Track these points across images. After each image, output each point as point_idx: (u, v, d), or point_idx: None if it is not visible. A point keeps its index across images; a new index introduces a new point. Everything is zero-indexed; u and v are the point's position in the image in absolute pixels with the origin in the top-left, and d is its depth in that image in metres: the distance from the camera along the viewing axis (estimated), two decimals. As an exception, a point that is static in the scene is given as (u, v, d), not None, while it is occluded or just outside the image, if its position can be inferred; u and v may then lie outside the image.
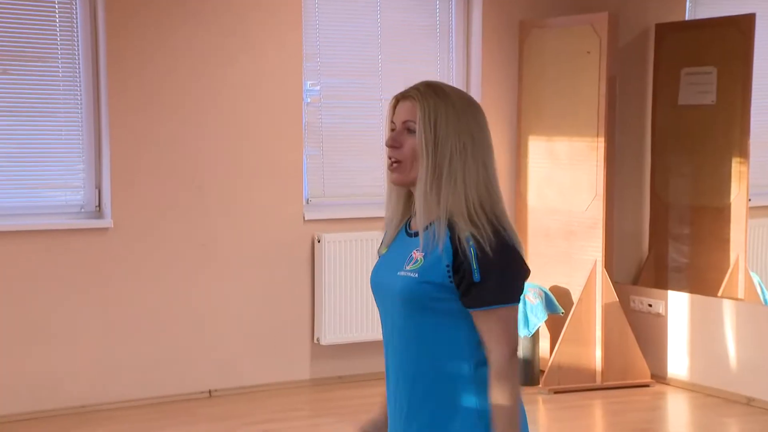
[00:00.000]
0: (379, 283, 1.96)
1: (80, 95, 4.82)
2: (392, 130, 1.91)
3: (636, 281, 5.66)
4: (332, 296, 5.24)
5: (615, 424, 4.87)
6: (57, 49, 4.77)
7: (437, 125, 1.84)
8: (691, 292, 5.32)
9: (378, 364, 5.39)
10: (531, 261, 5.62)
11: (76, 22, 4.79)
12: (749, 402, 4.96)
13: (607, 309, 5.25)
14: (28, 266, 4.66)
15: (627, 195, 5.69)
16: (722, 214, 5.33)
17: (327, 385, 5.29)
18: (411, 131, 1.87)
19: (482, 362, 1.86)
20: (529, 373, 5.30)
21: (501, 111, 5.69)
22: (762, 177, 5.56)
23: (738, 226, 5.26)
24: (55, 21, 4.76)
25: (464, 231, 1.81)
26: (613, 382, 5.26)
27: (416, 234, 1.90)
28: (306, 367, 5.28)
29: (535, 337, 5.33)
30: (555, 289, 5.46)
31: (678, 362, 5.33)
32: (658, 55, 5.59)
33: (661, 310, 5.39)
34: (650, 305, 5.44)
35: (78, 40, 4.80)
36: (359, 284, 5.29)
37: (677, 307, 5.32)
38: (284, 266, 5.21)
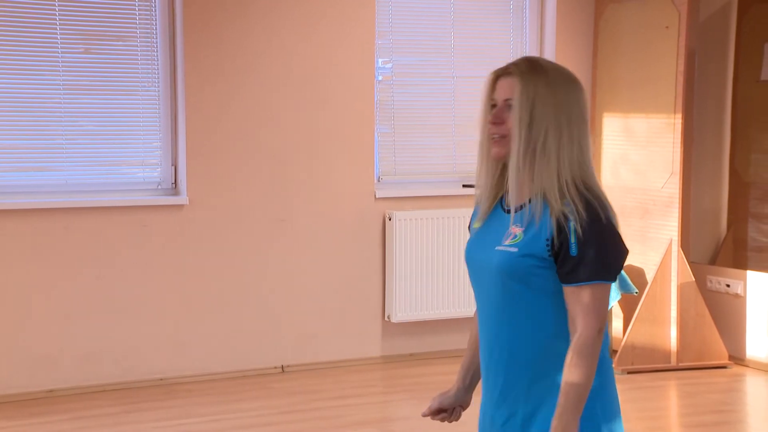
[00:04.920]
0: (475, 258, 1.97)
1: (158, 74, 4.90)
2: (493, 106, 1.93)
3: (713, 261, 5.54)
4: (403, 274, 5.25)
5: (691, 406, 4.80)
6: (136, 28, 4.86)
7: (534, 104, 1.87)
8: (771, 272, 5.19)
9: (448, 341, 5.42)
10: (605, 240, 5.55)
11: (155, 2, 4.87)
12: (832, 386, 4.84)
13: (682, 289, 5.15)
14: (106, 242, 4.78)
15: (705, 173, 5.56)
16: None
17: (398, 362, 5.32)
18: (511, 107, 1.90)
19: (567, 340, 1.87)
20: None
21: (575, 87, 5.60)
22: None
23: (822, 204, 5.11)
24: (134, 1, 4.85)
25: (562, 207, 1.84)
26: (688, 363, 5.17)
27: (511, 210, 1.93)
28: (377, 344, 5.32)
29: (608, 317, 5.26)
30: (629, 269, 5.38)
31: (757, 344, 5.21)
32: (740, 28, 5.43)
33: (739, 291, 5.27)
34: (728, 285, 5.32)
35: (156, 20, 4.88)
36: (430, 262, 5.30)
37: (757, 287, 5.20)
38: (356, 243, 5.24)
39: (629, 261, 5.40)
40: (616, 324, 5.39)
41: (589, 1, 5.57)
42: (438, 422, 2.14)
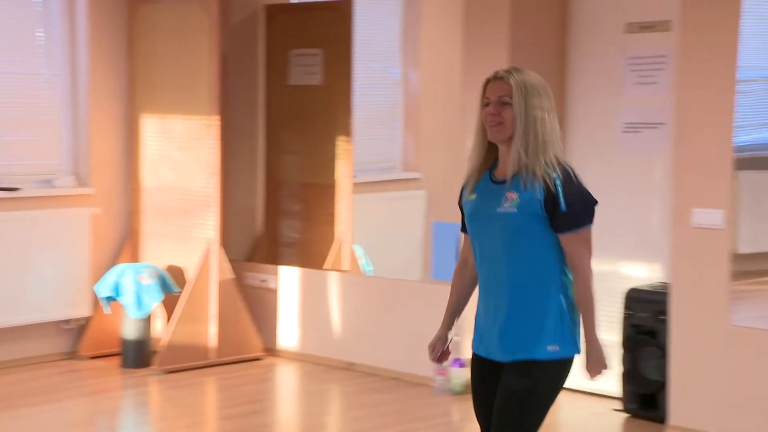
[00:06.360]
0: (480, 217, 2.58)
1: None
2: (486, 104, 2.54)
3: (251, 258, 5.78)
4: None
5: (228, 399, 4.96)
6: None
7: (526, 100, 2.50)
8: (301, 266, 5.54)
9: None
10: (146, 241, 5.55)
11: None
12: (350, 367, 5.29)
13: (222, 286, 5.31)
14: None
15: (242, 173, 5.78)
16: (330, 190, 5.59)
17: None
18: (505, 103, 2.51)
19: (563, 272, 2.54)
20: (141, 354, 5.23)
21: (112, 89, 5.53)
22: (365, 155, 5.91)
23: (344, 201, 5.56)
24: None
25: (550, 175, 2.48)
26: (227, 358, 5.34)
27: (502, 182, 2.54)
28: None
29: (149, 318, 5.26)
30: (171, 269, 5.43)
31: (288, 334, 5.54)
32: (268, 35, 5.71)
33: (273, 285, 5.56)
34: (263, 280, 5.59)
35: None
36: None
37: (288, 281, 5.52)
38: None
39: (172, 261, 5.45)
40: (158, 325, 5.40)
41: (122, 1, 5.50)
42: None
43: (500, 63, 4.60)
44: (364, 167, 5.88)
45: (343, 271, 5.49)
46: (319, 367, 5.33)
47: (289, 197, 5.78)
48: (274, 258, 5.72)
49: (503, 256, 2.54)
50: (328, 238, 5.60)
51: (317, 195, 5.66)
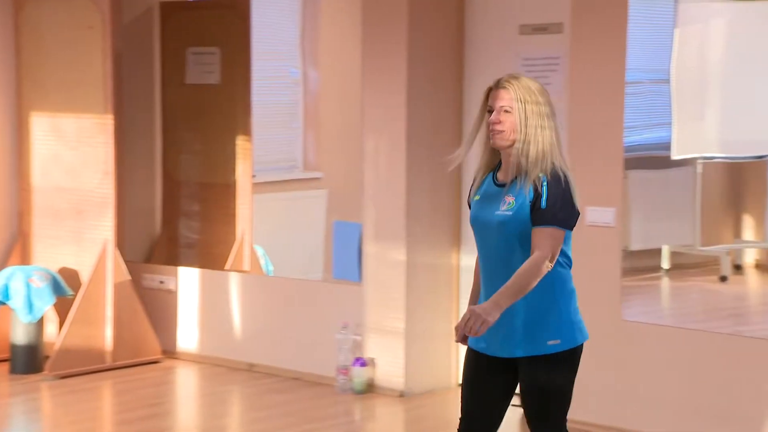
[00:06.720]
0: (480, 220, 2.73)
1: None
2: (489, 111, 2.68)
3: (149, 259, 5.68)
4: None
5: (124, 403, 4.86)
6: None
7: (526, 108, 2.64)
8: (201, 267, 5.47)
9: None
10: (37, 243, 5.41)
11: None
12: (251, 368, 5.25)
13: (118, 288, 5.20)
14: None
15: (138, 173, 5.67)
16: (229, 190, 5.54)
17: None
18: (507, 111, 2.65)
19: (556, 269, 2.63)
20: (33, 359, 5.07)
21: (-2, 85, 5.35)
22: (265, 154, 5.88)
23: (244, 201, 5.51)
24: None
25: (540, 178, 2.63)
26: (123, 362, 5.24)
27: (503, 185, 2.69)
28: None
29: (40, 323, 5.11)
30: (64, 271, 5.28)
31: (188, 336, 5.46)
32: (164, 33, 5.61)
33: (172, 286, 5.47)
34: (162, 282, 5.50)
35: None
36: None
37: (187, 282, 5.45)
38: None
39: (64, 264, 5.31)
40: (51, 329, 5.25)
41: (7, -6, 5.34)
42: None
43: (399, 62, 4.64)
44: (265, 167, 5.85)
45: (244, 272, 5.45)
46: (219, 368, 5.27)
47: (187, 197, 5.70)
48: (173, 259, 5.63)
49: (501, 257, 2.67)
50: (228, 238, 5.54)
51: (217, 195, 5.60)
